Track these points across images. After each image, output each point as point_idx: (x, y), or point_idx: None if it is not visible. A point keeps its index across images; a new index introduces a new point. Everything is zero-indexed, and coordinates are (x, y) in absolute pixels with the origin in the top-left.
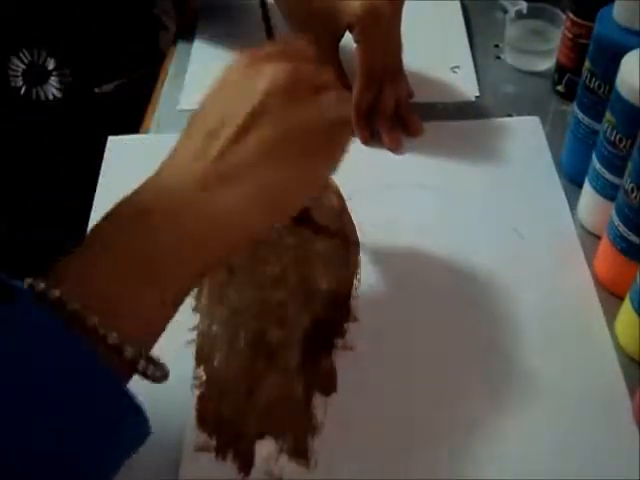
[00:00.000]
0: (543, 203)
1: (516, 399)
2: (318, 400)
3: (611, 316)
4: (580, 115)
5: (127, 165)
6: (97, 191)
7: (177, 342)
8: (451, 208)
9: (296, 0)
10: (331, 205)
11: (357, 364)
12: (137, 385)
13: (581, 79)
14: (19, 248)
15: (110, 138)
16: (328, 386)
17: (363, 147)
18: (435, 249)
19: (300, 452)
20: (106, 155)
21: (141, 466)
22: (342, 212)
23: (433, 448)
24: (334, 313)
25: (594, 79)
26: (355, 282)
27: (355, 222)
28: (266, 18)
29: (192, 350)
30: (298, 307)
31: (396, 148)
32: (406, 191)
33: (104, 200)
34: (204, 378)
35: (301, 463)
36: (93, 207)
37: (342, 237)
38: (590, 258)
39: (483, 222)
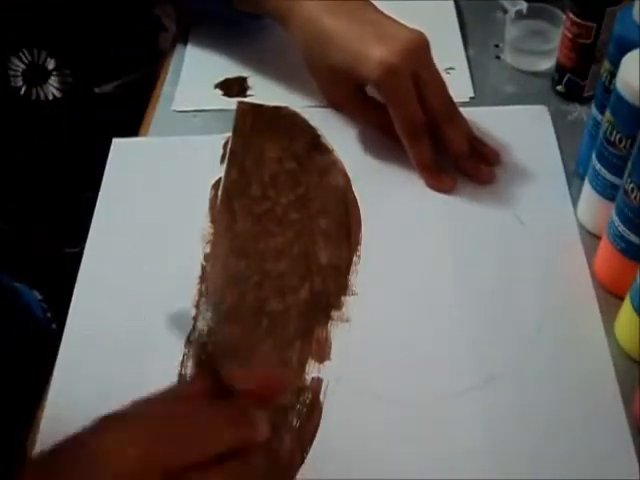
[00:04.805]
0: (544, 191)
1: (507, 390)
2: (312, 367)
3: (611, 316)
4: (599, 117)
5: (130, 167)
6: (100, 192)
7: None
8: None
9: (314, 56)
10: (336, 185)
11: (352, 336)
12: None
13: (599, 80)
14: (19, 248)
15: (115, 140)
16: (322, 354)
17: (365, 131)
18: (436, 229)
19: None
20: (110, 158)
21: None
22: (347, 192)
23: (425, 420)
24: (332, 286)
25: (614, 80)
26: (355, 258)
27: (359, 202)
28: None
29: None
30: (298, 279)
31: (490, 181)
32: (408, 173)
33: (107, 201)
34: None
35: None
36: (96, 208)
37: (345, 217)
38: (590, 258)
39: (483, 205)
